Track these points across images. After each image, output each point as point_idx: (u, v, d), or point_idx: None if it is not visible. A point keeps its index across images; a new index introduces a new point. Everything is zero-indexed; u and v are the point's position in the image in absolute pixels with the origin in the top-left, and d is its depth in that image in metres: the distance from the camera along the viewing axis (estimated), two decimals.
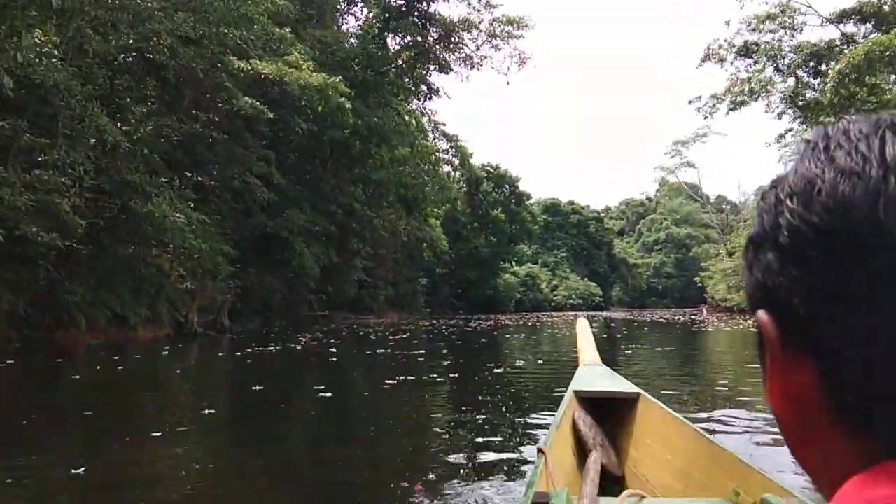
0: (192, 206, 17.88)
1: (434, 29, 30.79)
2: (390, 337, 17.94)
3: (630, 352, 12.70)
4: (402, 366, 10.15)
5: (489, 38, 30.40)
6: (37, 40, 13.53)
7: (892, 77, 23.67)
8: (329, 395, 6.89)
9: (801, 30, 28.75)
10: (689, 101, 32.49)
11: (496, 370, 9.29)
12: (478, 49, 30.58)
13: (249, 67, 19.22)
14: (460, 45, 30.55)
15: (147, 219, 16.71)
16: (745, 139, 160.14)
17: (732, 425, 4.97)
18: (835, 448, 0.37)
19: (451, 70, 31.23)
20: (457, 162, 44.13)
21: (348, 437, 5.07)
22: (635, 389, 3.25)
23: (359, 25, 33.40)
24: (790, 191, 0.39)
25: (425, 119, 37.35)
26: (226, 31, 17.34)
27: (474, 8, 30.65)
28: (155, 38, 16.49)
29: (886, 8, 26.94)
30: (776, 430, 0.46)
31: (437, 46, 30.78)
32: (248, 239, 24.79)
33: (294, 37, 22.63)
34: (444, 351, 13.80)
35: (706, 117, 32.16)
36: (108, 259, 17.71)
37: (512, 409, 5.94)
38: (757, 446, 4.21)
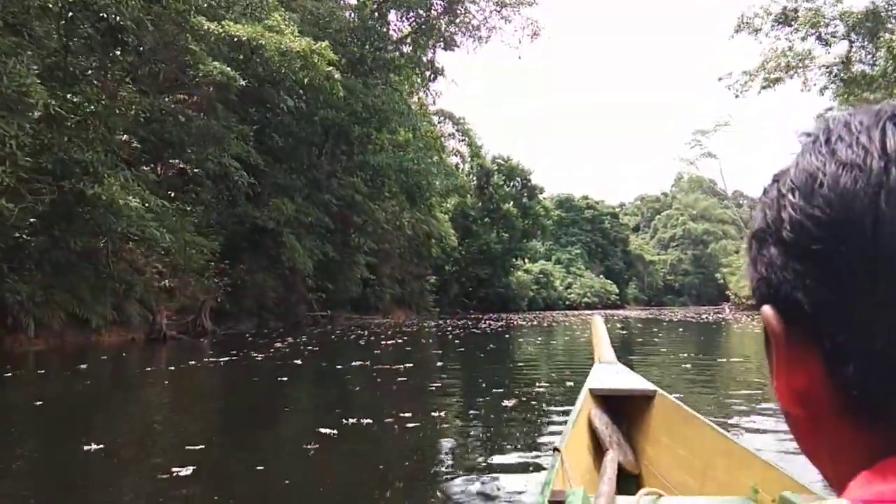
0: (148, 190, 15.28)
1: (438, 1, 28.03)
2: (383, 342, 15.21)
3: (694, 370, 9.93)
4: (368, 393, 7.37)
5: (497, 8, 27.63)
6: None
7: None
8: (216, 450, 4.18)
9: None
10: (720, 79, 29.80)
11: (504, 402, 6.30)
12: (486, 20, 27.83)
13: (221, 30, 16.57)
14: (466, 17, 27.74)
15: (93, 203, 14.23)
16: (767, 131, 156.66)
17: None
18: (842, 442, 0.37)
19: (457, 46, 28.51)
20: (464, 150, 41.25)
21: None
22: (651, 387, 3.22)
23: None
24: (792, 185, 0.38)
25: (430, 100, 34.68)
26: None
27: None
28: None
29: None
30: None
31: (442, 20, 28.01)
32: (238, 233, 22.36)
33: (278, 2, 19.98)
34: (439, 363, 10.92)
35: (737, 96, 29.53)
36: (60, 252, 15.32)
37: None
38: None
